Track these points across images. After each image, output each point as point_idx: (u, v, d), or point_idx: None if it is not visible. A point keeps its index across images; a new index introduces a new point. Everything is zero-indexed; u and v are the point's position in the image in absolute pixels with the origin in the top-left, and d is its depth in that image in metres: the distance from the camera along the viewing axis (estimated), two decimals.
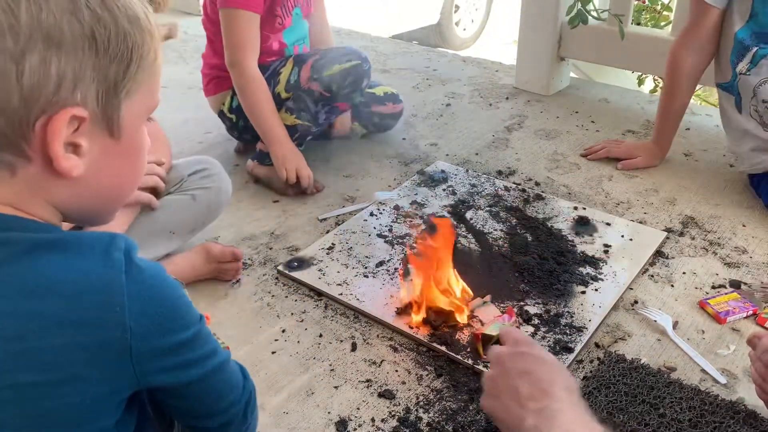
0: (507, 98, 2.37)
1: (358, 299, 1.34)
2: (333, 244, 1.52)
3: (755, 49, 1.58)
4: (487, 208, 1.66)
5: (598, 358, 1.20)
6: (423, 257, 1.27)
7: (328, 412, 1.10)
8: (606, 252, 1.49)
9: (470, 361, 1.18)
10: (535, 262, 1.43)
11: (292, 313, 1.33)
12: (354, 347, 1.24)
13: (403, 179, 1.82)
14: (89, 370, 0.59)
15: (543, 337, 1.23)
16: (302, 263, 1.46)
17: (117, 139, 0.62)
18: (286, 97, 1.75)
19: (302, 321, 1.31)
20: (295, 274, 1.42)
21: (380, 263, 1.46)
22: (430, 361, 1.20)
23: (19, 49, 0.54)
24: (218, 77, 1.85)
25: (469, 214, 1.63)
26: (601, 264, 1.44)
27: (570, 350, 1.21)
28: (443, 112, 2.26)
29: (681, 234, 1.57)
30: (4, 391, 0.57)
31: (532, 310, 1.31)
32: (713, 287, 1.39)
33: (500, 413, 0.91)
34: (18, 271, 0.58)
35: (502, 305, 1.31)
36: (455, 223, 1.60)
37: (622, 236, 1.54)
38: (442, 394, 1.13)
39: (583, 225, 1.59)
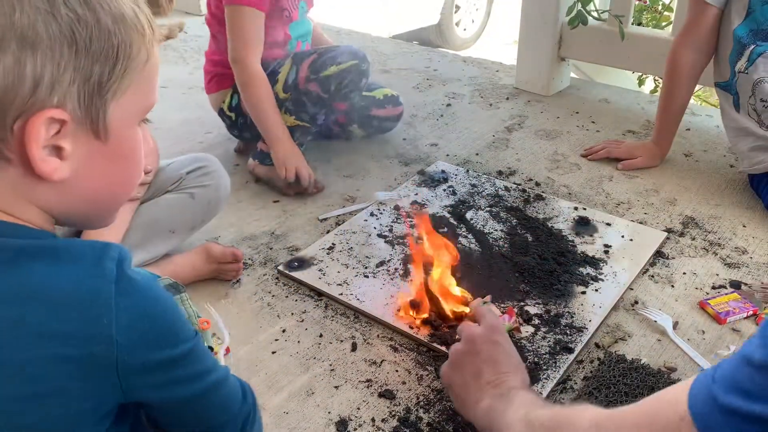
0: (507, 98, 2.37)
1: (358, 299, 1.34)
2: (333, 244, 1.52)
3: (752, 46, 1.59)
4: (488, 209, 1.66)
5: (599, 359, 1.20)
6: (424, 254, 1.27)
7: (329, 412, 1.10)
8: (606, 252, 1.49)
9: None
10: (535, 263, 1.43)
11: (292, 313, 1.33)
12: (354, 347, 1.24)
13: (404, 179, 1.82)
14: (73, 384, 0.57)
15: (543, 338, 1.24)
16: (302, 263, 1.46)
17: (104, 142, 0.60)
18: (284, 97, 1.75)
19: (302, 321, 1.31)
20: (296, 274, 1.42)
21: (380, 263, 1.46)
22: (430, 361, 1.20)
23: None
24: (220, 74, 1.84)
25: (469, 215, 1.63)
26: (602, 264, 1.44)
27: (570, 350, 1.21)
28: (443, 112, 2.26)
29: (681, 234, 1.57)
30: None
31: (533, 310, 1.31)
32: (713, 287, 1.39)
33: (458, 387, 1.00)
34: (2, 278, 0.56)
35: (502, 305, 1.31)
36: (455, 222, 1.60)
37: (623, 236, 1.54)
38: (443, 394, 1.13)
39: (583, 225, 1.59)
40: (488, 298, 1.30)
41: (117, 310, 0.57)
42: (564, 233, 1.55)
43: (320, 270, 1.43)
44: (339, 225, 1.61)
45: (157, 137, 2.01)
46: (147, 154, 0.68)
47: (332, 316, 1.32)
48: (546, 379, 1.15)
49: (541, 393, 1.11)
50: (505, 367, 0.97)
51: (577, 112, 2.24)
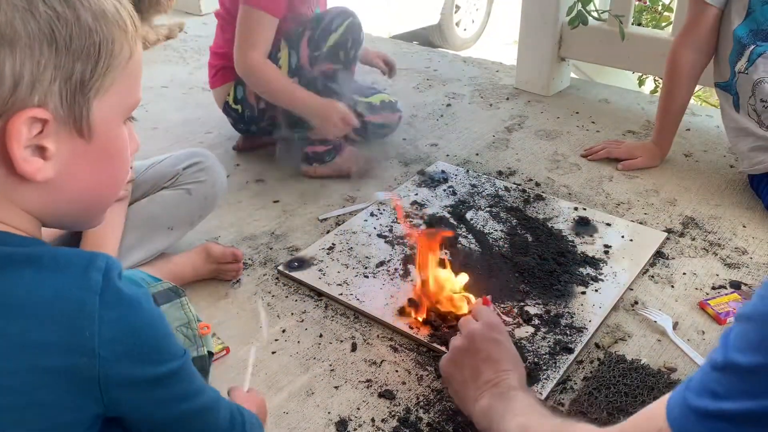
0: (507, 98, 2.37)
1: (358, 299, 1.34)
2: (333, 244, 1.52)
3: (752, 47, 1.59)
4: (488, 209, 1.66)
5: (599, 359, 1.20)
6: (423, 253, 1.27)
7: (328, 413, 1.10)
8: (606, 252, 1.49)
9: None
10: (535, 263, 1.43)
11: (292, 313, 1.33)
12: (354, 347, 1.24)
13: (404, 179, 1.82)
14: (54, 396, 0.55)
15: (543, 338, 1.24)
16: (302, 263, 1.46)
17: (88, 141, 0.59)
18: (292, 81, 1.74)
19: (302, 321, 1.31)
20: (296, 274, 1.42)
21: (380, 263, 1.46)
22: (430, 361, 1.20)
23: None
24: (225, 68, 1.82)
25: (469, 215, 1.63)
26: (602, 264, 1.44)
27: (570, 351, 1.21)
28: (444, 112, 2.26)
29: (681, 235, 1.57)
30: None
31: (533, 310, 1.31)
32: (713, 288, 1.39)
33: (457, 384, 1.03)
34: None
35: (502, 305, 1.31)
36: (455, 223, 1.60)
37: (623, 237, 1.54)
38: (443, 395, 1.13)
39: (583, 225, 1.59)
40: (488, 298, 1.30)
41: (101, 323, 0.56)
42: (564, 233, 1.55)
43: (320, 270, 1.43)
44: (339, 225, 1.61)
45: (157, 137, 2.03)
46: (133, 153, 0.67)
47: (332, 317, 1.32)
48: (546, 379, 1.15)
49: (540, 393, 1.11)
50: (505, 365, 0.99)
51: (577, 113, 2.24)
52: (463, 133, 2.11)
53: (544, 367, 1.17)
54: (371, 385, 1.16)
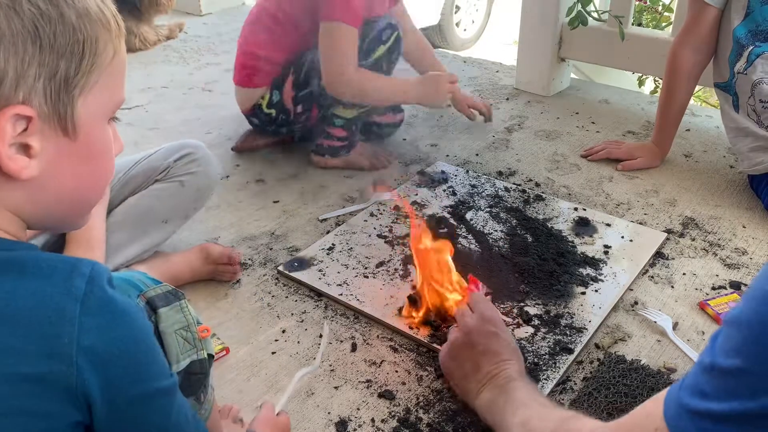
0: (507, 99, 2.37)
1: (358, 300, 1.34)
2: (333, 244, 1.52)
3: (751, 47, 1.59)
4: (488, 209, 1.66)
5: (598, 359, 1.20)
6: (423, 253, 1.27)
7: (328, 413, 1.10)
8: (606, 253, 1.49)
9: None
10: (535, 263, 1.43)
11: (292, 314, 1.33)
12: (354, 348, 1.24)
13: (404, 180, 1.82)
14: (33, 403, 0.54)
15: (543, 338, 1.24)
16: (302, 264, 1.46)
17: (73, 139, 0.59)
18: None
19: (302, 321, 1.31)
20: (296, 275, 1.42)
21: (380, 264, 1.46)
22: (430, 361, 1.20)
23: None
24: (262, 71, 1.79)
25: (469, 215, 1.63)
26: (601, 265, 1.44)
27: (570, 351, 1.21)
28: (443, 112, 2.26)
29: (681, 235, 1.57)
30: None
31: (532, 310, 1.31)
32: (713, 288, 1.39)
33: (458, 378, 1.06)
34: None
35: (502, 306, 1.31)
36: (455, 223, 1.60)
37: (622, 237, 1.54)
38: (442, 395, 1.13)
39: (583, 226, 1.59)
40: (488, 298, 1.30)
41: (80, 330, 0.55)
42: (564, 234, 1.55)
43: (320, 270, 1.43)
44: (339, 225, 1.61)
45: (158, 137, 2.02)
46: (117, 153, 0.67)
47: (332, 317, 1.32)
48: (546, 379, 1.15)
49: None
50: (503, 356, 1.02)
51: (577, 113, 2.24)
52: (463, 134, 2.11)
53: (544, 368, 1.17)
54: (371, 386, 1.16)
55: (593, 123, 2.17)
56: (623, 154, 1.89)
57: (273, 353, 1.23)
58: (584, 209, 1.66)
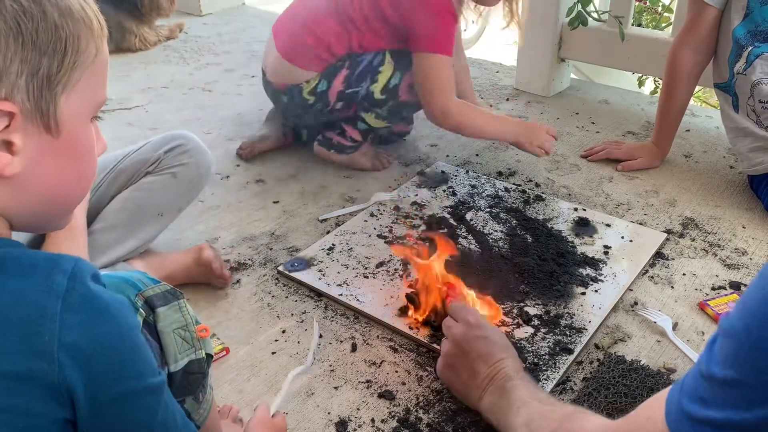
0: (507, 99, 2.37)
1: (358, 300, 1.34)
2: (333, 244, 1.52)
3: (750, 48, 1.59)
4: (488, 209, 1.66)
5: (598, 359, 1.20)
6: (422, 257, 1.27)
7: (328, 413, 1.10)
8: (606, 253, 1.49)
9: None
10: (535, 263, 1.43)
11: (292, 314, 1.33)
12: (354, 348, 1.24)
13: (404, 180, 1.82)
14: (15, 401, 0.54)
15: (543, 338, 1.24)
16: (302, 264, 1.46)
17: (56, 137, 0.59)
18: (380, 99, 1.74)
19: (302, 321, 1.31)
20: (296, 275, 1.42)
21: (380, 264, 1.46)
22: (430, 361, 1.20)
23: None
24: (322, 58, 1.74)
25: (469, 215, 1.63)
26: (601, 265, 1.44)
27: (570, 351, 1.21)
28: None
29: (681, 235, 1.57)
30: None
31: (532, 311, 1.31)
32: (713, 289, 1.39)
33: (458, 387, 1.07)
34: None
35: (503, 306, 1.31)
36: (455, 223, 1.60)
37: (622, 237, 1.54)
38: (442, 395, 1.13)
39: (583, 226, 1.59)
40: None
41: (62, 327, 0.54)
42: (564, 234, 1.55)
43: (320, 270, 1.43)
44: (339, 225, 1.61)
45: None
46: (100, 153, 0.67)
47: (332, 317, 1.32)
48: (546, 379, 1.15)
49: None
50: (497, 356, 1.03)
51: (576, 113, 2.24)
52: None
53: (544, 368, 1.17)
54: (371, 386, 1.16)
55: (593, 123, 2.17)
56: (623, 155, 1.89)
57: (273, 353, 1.23)
58: (584, 209, 1.66)
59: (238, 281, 1.43)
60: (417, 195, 1.73)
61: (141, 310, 0.75)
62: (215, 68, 2.67)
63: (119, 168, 1.36)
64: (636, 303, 1.35)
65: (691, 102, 1.94)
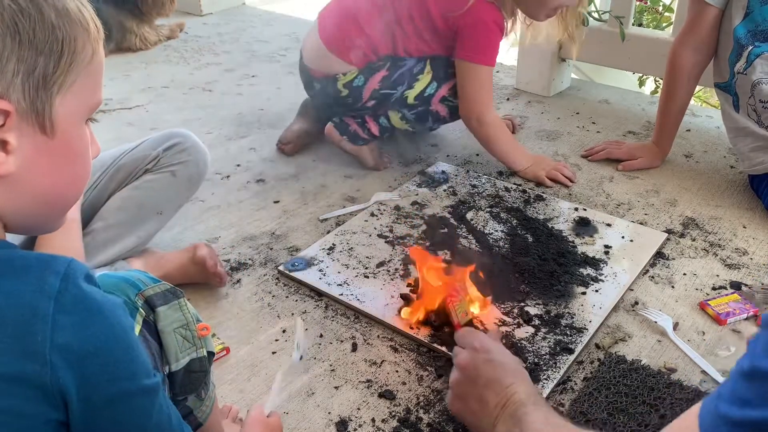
0: (508, 99, 2.37)
1: (358, 299, 1.34)
2: (333, 244, 1.52)
3: (750, 47, 1.58)
4: (488, 209, 1.66)
5: (599, 359, 1.20)
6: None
7: (329, 413, 1.10)
8: (606, 253, 1.49)
9: None
10: (535, 263, 1.43)
11: (292, 314, 1.33)
12: (354, 348, 1.24)
13: (404, 180, 1.82)
14: (8, 402, 0.53)
15: (543, 338, 1.24)
16: (303, 263, 1.45)
17: (51, 137, 0.59)
18: (412, 104, 1.77)
19: (303, 321, 1.31)
20: (296, 275, 1.42)
21: (381, 264, 1.45)
22: (430, 361, 1.20)
23: None
24: (366, 53, 1.74)
25: (469, 215, 1.63)
26: (602, 265, 1.44)
27: (570, 351, 1.21)
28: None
29: (681, 235, 1.57)
30: None
31: (533, 310, 1.30)
32: (714, 288, 1.39)
33: (469, 417, 1.00)
34: None
35: (503, 306, 1.31)
36: (456, 223, 1.60)
37: (623, 237, 1.54)
38: (443, 395, 1.13)
39: (583, 226, 1.59)
40: (488, 299, 1.29)
41: (54, 328, 0.54)
42: (564, 234, 1.55)
43: (320, 270, 1.43)
44: (339, 225, 1.61)
45: None
46: (94, 156, 0.66)
47: (332, 317, 1.32)
48: (546, 379, 1.15)
49: (541, 394, 1.11)
50: (506, 382, 0.96)
51: (577, 113, 2.24)
52: (464, 134, 2.10)
53: (545, 368, 1.17)
54: (371, 386, 1.16)
55: (594, 123, 2.17)
56: (624, 155, 1.89)
57: (273, 353, 1.23)
58: (585, 209, 1.66)
59: (238, 281, 1.43)
60: (417, 194, 1.73)
61: (141, 309, 0.75)
62: (215, 68, 2.67)
63: (117, 165, 1.36)
64: (636, 303, 1.35)
65: (692, 102, 1.94)
